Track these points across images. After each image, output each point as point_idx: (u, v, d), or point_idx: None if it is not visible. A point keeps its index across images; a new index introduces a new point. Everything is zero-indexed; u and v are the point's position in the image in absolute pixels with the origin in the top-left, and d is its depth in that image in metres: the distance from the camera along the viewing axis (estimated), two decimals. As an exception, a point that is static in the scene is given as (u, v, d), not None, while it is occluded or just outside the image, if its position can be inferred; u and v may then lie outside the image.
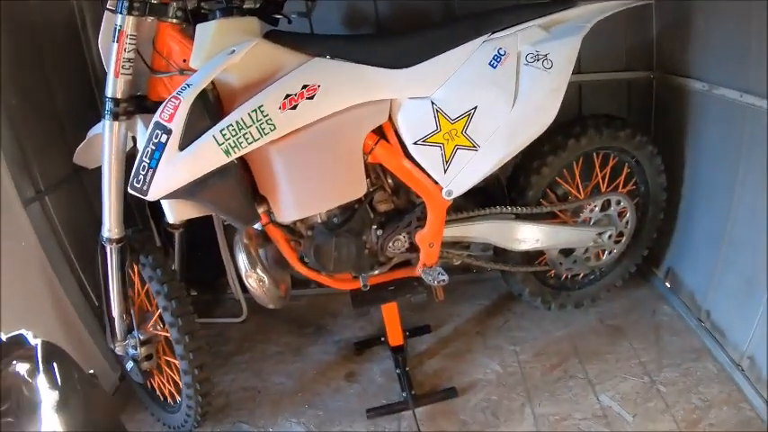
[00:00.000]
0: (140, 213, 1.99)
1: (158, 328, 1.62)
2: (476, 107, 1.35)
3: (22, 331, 0.75)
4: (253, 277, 1.43)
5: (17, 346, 0.74)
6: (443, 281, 1.50)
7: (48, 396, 0.70)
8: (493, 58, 1.35)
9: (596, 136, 1.65)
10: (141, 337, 1.59)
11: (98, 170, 1.56)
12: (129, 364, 1.61)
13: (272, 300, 1.47)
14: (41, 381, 0.71)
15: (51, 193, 1.77)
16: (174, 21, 1.27)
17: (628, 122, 1.73)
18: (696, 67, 1.72)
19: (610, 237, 1.74)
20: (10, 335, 0.73)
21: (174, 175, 1.20)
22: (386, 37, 1.40)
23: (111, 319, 1.55)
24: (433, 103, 1.34)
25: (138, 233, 1.54)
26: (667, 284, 2.00)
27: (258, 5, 1.39)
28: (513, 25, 1.37)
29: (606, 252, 1.80)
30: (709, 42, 1.65)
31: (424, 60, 1.33)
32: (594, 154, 1.72)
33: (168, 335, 1.58)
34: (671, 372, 1.64)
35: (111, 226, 1.41)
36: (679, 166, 1.86)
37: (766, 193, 1.43)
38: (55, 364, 0.74)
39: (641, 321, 1.88)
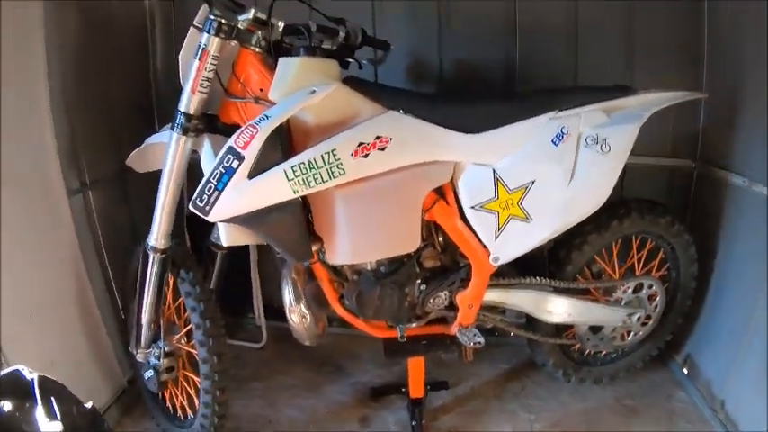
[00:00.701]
0: (177, 228, 2.03)
1: (183, 342, 1.64)
2: (534, 181, 1.39)
3: (18, 367, 0.75)
4: (296, 312, 1.45)
5: (13, 383, 0.73)
6: (479, 343, 1.52)
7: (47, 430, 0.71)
8: (556, 136, 1.40)
9: (638, 220, 1.69)
10: (166, 349, 1.60)
11: (142, 175, 1.63)
12: (149, 373, 1.61)
13: (309, 336, 1.49)
14: (40, 415, 0.71)
15: (95, 189, 1.81)
16: (257, 49, 1.33)
17: (668, 210, 1.78)
18: (738, 163, 1.77)
19: (638, 319, 1.77)
20: (5, 372, 0.72)
21: (239, 201, 1.23)
22: (458, 100, 1.45)
23: (139, 326, 1.55)
24: (494, 171, 1.39)
25: (182, 247, 1.57)
26: (685, 371, 2.00)
27: (335, 47, 1.47)
28: (577, 106, 1.43)
29: (632, 333, 1.82)
30: (752, 140, 1.70)
31: (493, 129, 1.38)
32: (633, 237, 1.76)
33: (194, 351, 1.59)
34: (680, 459, 1.63)
35: (158, 236, 1.44)
36: (711, 256, 1.89)
37: None
38: (53, 399, 0.74)
39: (656, 405, 1.88)
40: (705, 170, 1.97)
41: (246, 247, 1.91)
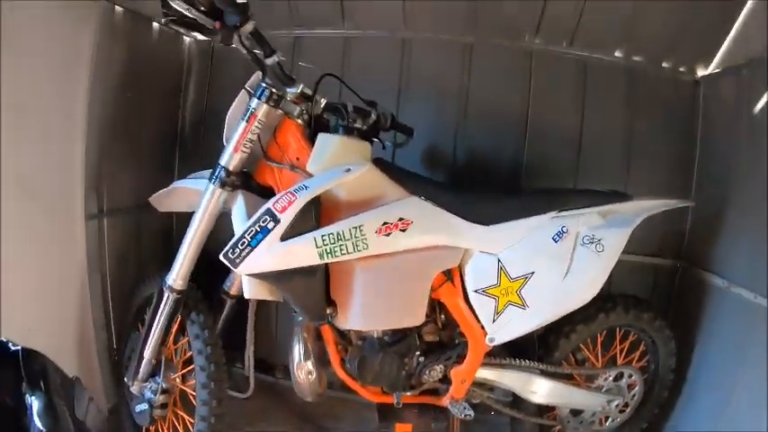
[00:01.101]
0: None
1: (178, 381, 1.69)
2: (533, 272, 1.52)
3: (2, 339, 0.79)
4: (304, 369, 1.53)
5: None
6: (469, 416, 1.60)
7: (33, 402, 0.73)
8: (556, 234, 1.54)
9: (623, 314, 1.82)
10: (164, 385, 1.65)
11: (155, 214, 1.74)
12: (142, 406, 1.65)
13: (312, 393, 1.57)
14: (25, 387, 0.74)
15: (110, 217, 1.90)
16: (299, 121, 1.48)
17: (651, 306, 1.91)
18: (719, 265, 1.92)
19: (617, 406, 1.86)
20: None
21: (268, 259, 1.34)
22: (472, 193, 1.60)
23: (141, 358, 1.61)
24: (499, 260, 1.51)
25: (195, 291, 1.65)
26: (655, 460, 2.08)
27: (365, 128, 1.61)
28: (577, 208, 1.58)
29: (610, 419, 1.91)
30: (734, 245, 1.85)
31: (502, 222, 1.52)
32: (618, 329, 1.88)
33: (189, 391, 1.64)
34: None
35: (177, 277, 1.53)
36: (689, 350, 1.99)
37: (766, 392, 1.54)
38: (38, 371, 0.77)
39: (626, 493, 1.94)
40: (688, 270, 2.12)
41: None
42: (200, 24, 1.36)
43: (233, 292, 1.75)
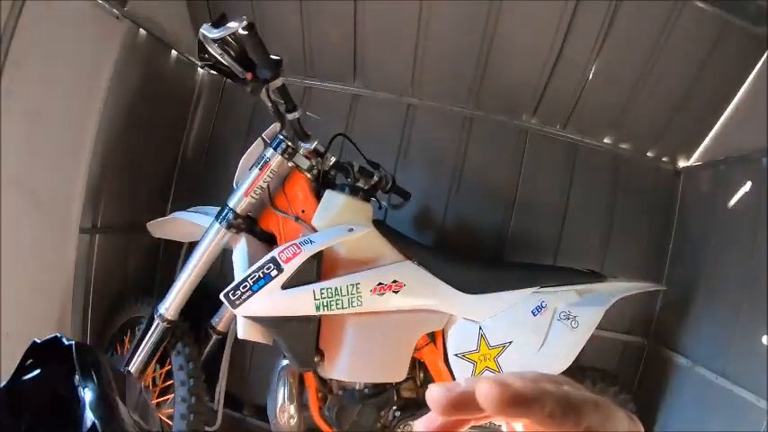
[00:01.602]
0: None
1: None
2: (511, 342, 1.62)
3: (57, 334, 0.83)
4: (286, 412, 1.59)
5: (53, 348, 0.76)
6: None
7: (85, 393, 0.75)
8: (536, 308, 1.65)
9: (591, 387, 1.91)
10: None
11: (145, 239, 1.78)
12: None
13: None
14: (78, 380, 0.76)
15: (102, 234, 1.94)
16: (308, 175, 1.56)
17: (617, 380, 2.01)
18: (685, 345, 2.03)
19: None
20: (45, 338, 0.76)
21: (268, 305, 1.41)
22: (462, 263, 1.70)
23: None
24: (480, 328, 1.61)
25: (184, 324, 1.70)
26: None
27: (366, 187, 1.71)
28: (557, 285, 1.69)
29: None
30: (700, 327, 1.98)
31: (488, 292, 1.62)
32: (584, 401, 1.97)
33: (167, 420, 1.66)
34: None
35: (170, 307, 1.58)
36: (650, 425, 2.09)
37: None
38: (90, 364, 0.79)
39: None
40: (655, 348, 2.23)
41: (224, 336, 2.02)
42: (232, 72, 1.43)
43: (220, 327, 1.79)
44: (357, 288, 1.45)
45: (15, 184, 1.53)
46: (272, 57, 1.41)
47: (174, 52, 2.16)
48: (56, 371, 0.75)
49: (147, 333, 1.62)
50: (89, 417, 0.71)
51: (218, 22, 1.32)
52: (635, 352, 2.31)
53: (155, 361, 1.70)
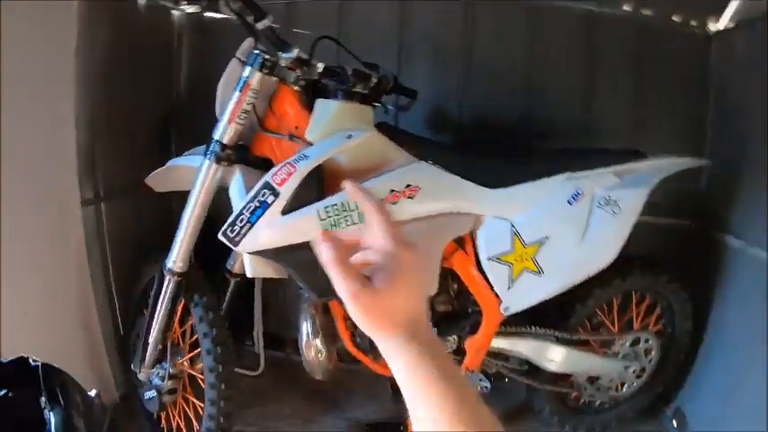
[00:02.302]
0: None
1: (186, 365, 1.64)
2: (548, 237, 1.46)
3: (23, 354, 0.79)
4: (313, 347, 1.49)
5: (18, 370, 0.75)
6: (485, 388, 1.56)
7: (51, 418, 0.73)
8: (571, 196, 1.48)
9: (640, 277, 1.77)
10: (171, 371, 1.60)
11: (155, 194, 1.67)
12: (150, 393, 1.61)
13: (321, 371, 1.53)
14: (44, 403, 0.74)
15: (108, 202, 1.84)
16: (296, 87, 1.39)
17: (667, 268, 1.86)
18: (736, 225, 1.86)
19: (634, 371, 1.83)
20: (10, 359, 0.75)
21: (270, 235, 1.27)
22: (482, 155, 1.53)
23: (146, 345, 1.56)
24: (512, 225, 1.45)
25: (197, 272, 1.59)
26: (674, 423, 2.04)
27: (366, 91, 1.53)
28: (591, 168, 1.51)
29: (627, 384, 1.87)
30: (751, 205, 1.79)
31: (514, 185, 1.45)
32: (633, 292, 1.83)
33: (198, 375, 1.60)
34: None
35: (177, 259, 1.47)
36: (706, 313, 1.96)
37: None
38: (57, 386, 0.77)
39: (645, 456, 1.92)
40: (704, 231, 2.05)
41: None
42: None
43: (236, 270, 1.68)
44: None
45: (8, 173, 1.43)
46: None
47: (140, 1, 1.97)
48: (23, 392, 0.71)
49: (161, 292, 1.52)
50: None
51: None
52: (683, 237, 2.13)
53: (176, 318, 1.61)
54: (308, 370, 1.55)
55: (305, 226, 1.27)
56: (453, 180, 1.41)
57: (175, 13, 2.18)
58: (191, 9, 2.16)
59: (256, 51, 1.35)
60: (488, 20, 2.01)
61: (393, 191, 1.32)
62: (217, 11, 1.30)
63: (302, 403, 2.03)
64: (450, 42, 2.03)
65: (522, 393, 2.00)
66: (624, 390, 1.88)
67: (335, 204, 1.28)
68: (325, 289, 1.37)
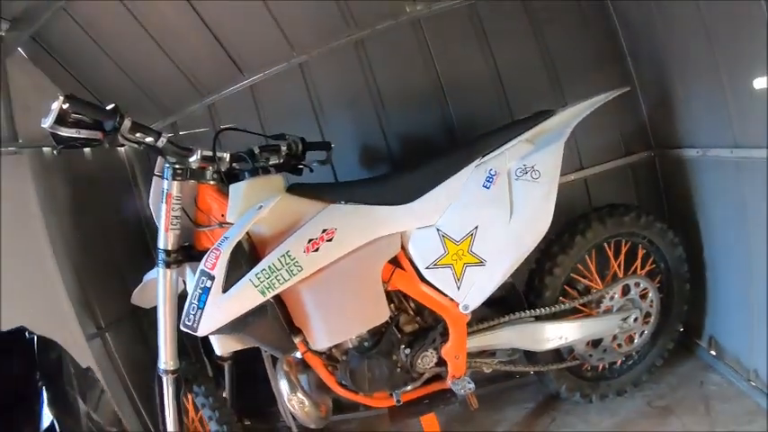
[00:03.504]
0: (194, 348, 2.17)
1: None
2: (477, 227, 1.49)
3: (21, 325, 0.80)
4: (294, 400, 1.55)
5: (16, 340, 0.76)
6: (471, 389, 1.57)
7: (45, 391, 0.72)
8: (486, 180, 1.51)
9: (601, 227, 1.75)
10: None
11: (154, 309, 1.72)
12: None
13: (313, 420, 1.59)
14: (39, 376, 0.74)
15: (111, 330, 1.98)
16: (212, 182, 1.52)
17: (631, 207, 1.83)
18: (688, 136, 1.83)
19: (636, 320, 1.78)
20: (9, 328, 0.78)
21: (218, 314, 1.38)
22: (389, 177, 1.60)
23: None
24: (438, 229, 1.50)
25: (192, 365, 1.71)
26: (712, 353, 1.96)
27: (282, 161, 1.65)
28: (500, 146, 1.54)
29: (637, 335, 1.82)
30: (692, 110, 1.77)
31: (425, 193, 1.51)
32: (605, 244, 1.80)
33: None
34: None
35: (166, 359, 1.58)
36: (695, 235, 1.91)
37: None
38: (52, 359, 0.77)
39: (690, 396, 1.84)
40: (663, 155, 2.03)
41: (259, 354, 2.02)
42: (88, 141, 1.41)
43: (224, 354, 1.78)
44: (289, 255, 1.39)
45: None
46: (106, 107, 1.37)
47: (86, 150, 2.17)
48: (18, 365, 0.74)
49: (163, 394, 1.65)
50: (47, 415, 0.70)
51: (46, 113, 1.31)
52: (645, 169, 2.11)
53: (187, 411, 1.72)
54: (302, 423, 1.61)
55: (245, 296, 1.38)
56: (366, 210, 1.48)
57: (119, 149, 2.36)
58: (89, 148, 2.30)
59: (167, 165, 1.50)
60: (379, 49, 2.10)
61: (311, 240, 1.41)
62: (120, 145, 1.44)
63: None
64: (354, 82, 2.13)
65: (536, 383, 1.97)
66: (638, 340, 1.83)
67: (264, 269, 1.38)
68: (284, 346, 1.48)
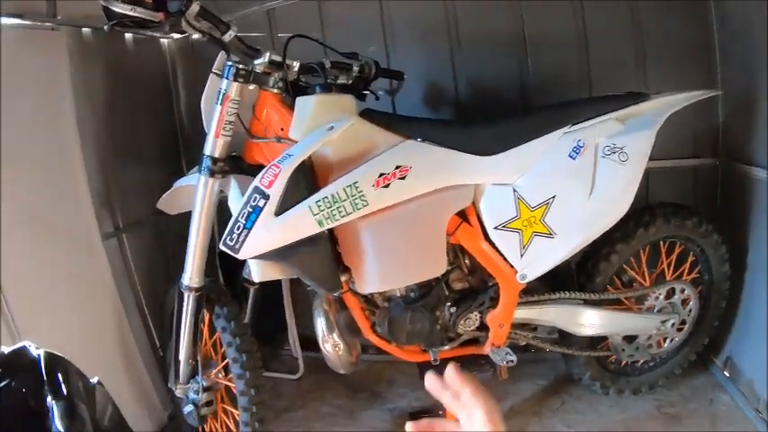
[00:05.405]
0: (210, 265, 2.08)
1: (221, 377, 1.67)
2: (554, 196, 1.40)
3: (25, 343, 0.78)
4: (330, 342, 1.48)
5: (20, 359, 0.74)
6: (512, 362, 1.52)
7: (54, 406, 0.71)
8: (572, 150, 1.42)
9: (664, 225, 1.68)
10: (204, 384, 1.63)
11: (174, 217, 1.68)
12: (188, 408, 1.64)
13: (343, 365, 1.52)
14: (47, 391, 0.73)
15: (128, 232, 1.88)
16: (275, 91, 1.38)
17: (694, 211, 1.76)
18: (761, 156, 1.75)
19: (673, 325, 1.74)
20: (11, 348, 0.74)
21: (267, 238, 1.27)
22: (473, 124, 1.48)
23: (177, 362, 1.59)
24: (515, 190, 1.40)
25: (216, 284, 1.61)
26: (726, 373, 1.95)
27: (350, 82, 1.51)
28: (591, 118, 1.44)
29: (668, 340, 1.79)
30: None
31: (509, 149, 1.41)
32: (661, 242, 1.74)
33: (231, 385, 1.62)
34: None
35: (192, 275, 1.48)
36: (742, 254, 1.85)
37: None
38: (59, 374, 0.75)
39: (698, 411, 1.83)
40: (729, 167, 1.95)
41: (279, 280, 1.94)
42: (145, 21, 1.26)
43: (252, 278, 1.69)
44: (357, 188, 1.27)
45: (25, 221, 1.49)
46: None
47: (127, 36, 2.00)
48: (26, 381, 0.71)
49: (182, 309, 1.55)
50: (58, 428, 0.66)
51: None
52: (707, 176, 2.03)
53: (203, 332, 1.64)
54: (331, 366, 1.55)
55: (299, 223, 1.27)
56: (444, 154, 1.37)
57: (164, 41, 2.21)
58: (158, 35, 2.16)
59: (229, 63, 1.35)
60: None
61: (383, 174, 1.30)
62: (182, 32, 1.29)
63: (344, 400, 2.04)
64: (434, 19, 1.98)
65: (561, 363, 1.95)
66: (666, 345, 1.80)
67: (326, 197, 1.27)
68: (330, 284, 1.38)
